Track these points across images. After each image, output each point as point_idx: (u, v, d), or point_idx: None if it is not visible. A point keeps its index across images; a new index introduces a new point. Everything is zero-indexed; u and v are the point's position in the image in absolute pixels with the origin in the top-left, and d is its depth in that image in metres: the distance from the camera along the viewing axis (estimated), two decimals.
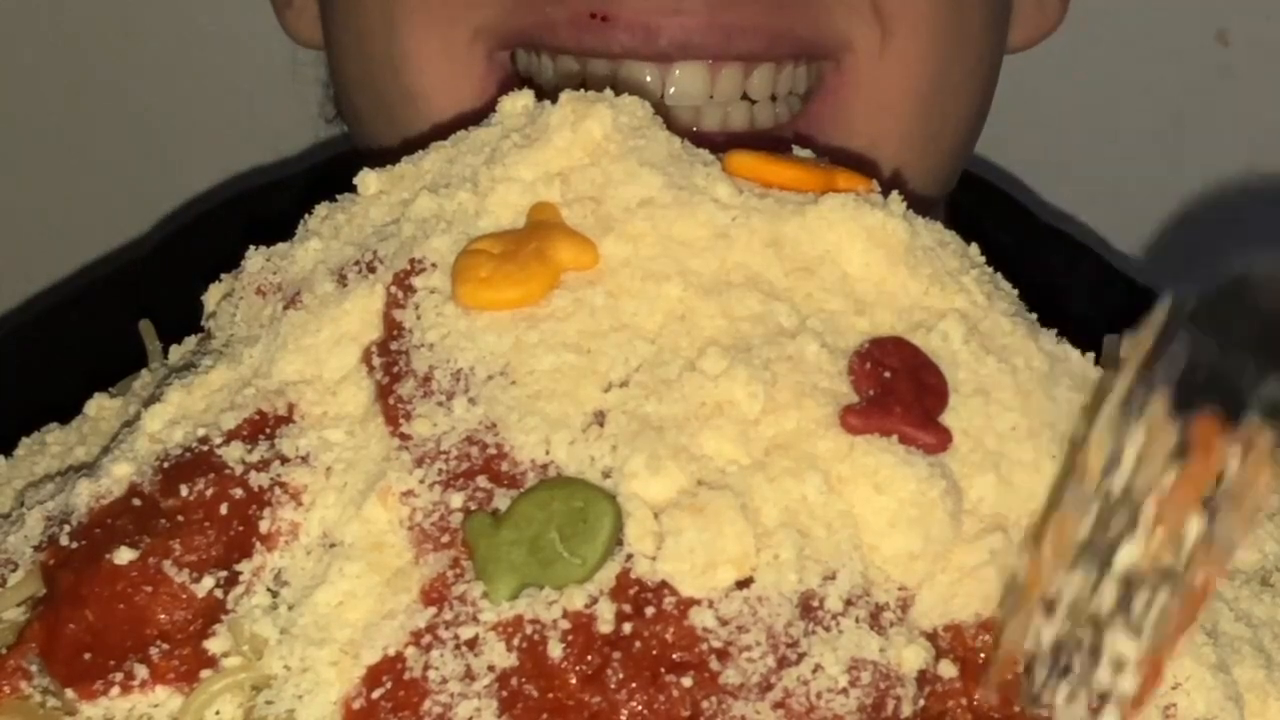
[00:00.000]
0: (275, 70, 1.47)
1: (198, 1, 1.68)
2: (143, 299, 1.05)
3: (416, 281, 0.73)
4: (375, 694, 0.65)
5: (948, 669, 0.67)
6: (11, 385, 1.24)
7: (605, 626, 0.65)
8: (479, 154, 0.78)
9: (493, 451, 0.68)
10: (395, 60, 1.10)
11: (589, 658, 0.64)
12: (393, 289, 0.74)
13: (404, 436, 0.70)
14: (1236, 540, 0.62)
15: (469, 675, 0.65)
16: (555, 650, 0.64)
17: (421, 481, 0.69)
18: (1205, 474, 0.62)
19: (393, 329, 0.73)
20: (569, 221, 0.74)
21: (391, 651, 0.66)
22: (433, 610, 0.66)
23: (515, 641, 0.65)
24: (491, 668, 0.65)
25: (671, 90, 1.06)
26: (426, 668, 0.65)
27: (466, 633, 0.65)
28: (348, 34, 1.16)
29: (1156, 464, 0.62)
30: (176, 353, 0.86)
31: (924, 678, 0.67)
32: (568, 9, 1.04)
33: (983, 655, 0.68)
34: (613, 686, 0.64)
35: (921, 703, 0.66)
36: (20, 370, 1.28)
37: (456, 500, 0.68)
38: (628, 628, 0.65)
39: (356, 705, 0.65)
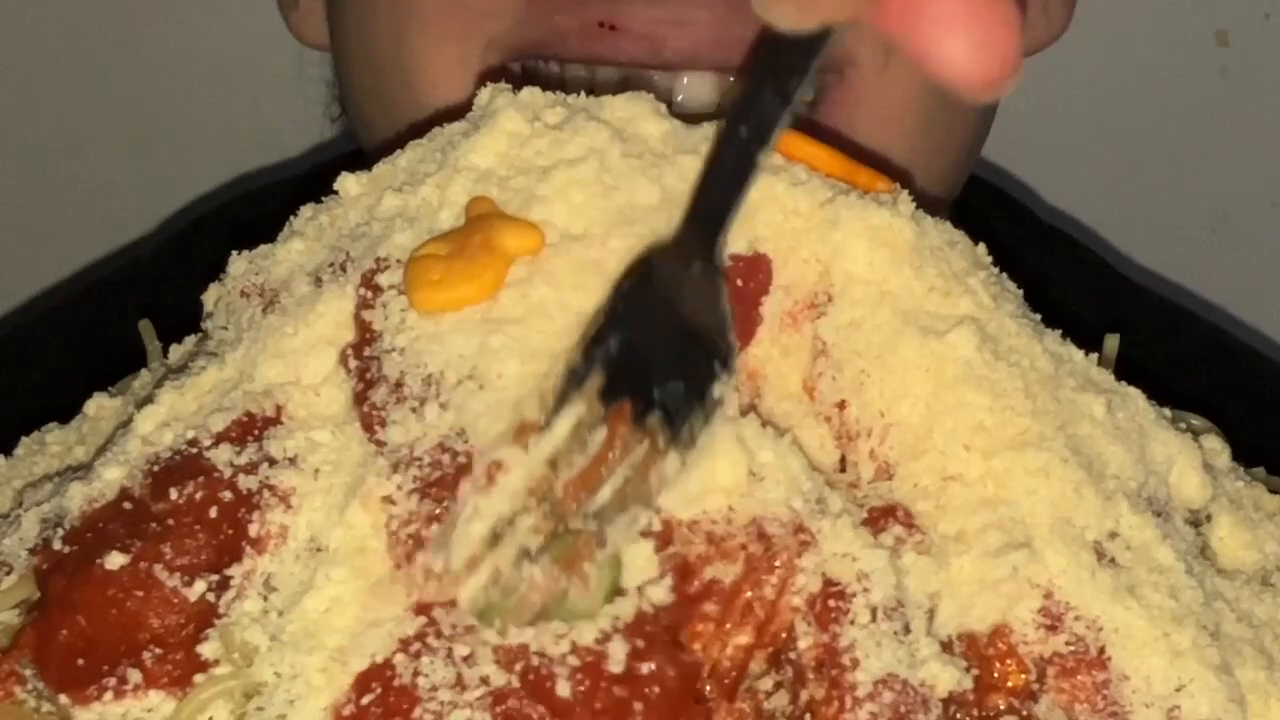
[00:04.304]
0: (280, 70, 1.47)
1: (202, 0, 1.68)
2: (144, 299, 1.05)
3: (382, 280, 0.73)
4: (365, 700, 0.65)
5: (968, 680, 0.68)
6: (12, 385, 1.24)
7: (616, 666, 0.64)
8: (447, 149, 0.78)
9: (463, 460, 0.68)
10: (406, 72, 1.09)
11: (598, 700, 0.64)
12: (361, 290, 0.74)
13: (380, 443, 0.70)
14: (621, 530, 0.67)
15: (460, 684, 0.64)
16: (563, 689, 0.64)
17: (399, 488, 0.69)
18: (604, 459, 0.67)
19: (364, 331, 0.73)
20: (514, 197, 0.74)
21: (380, 659, 0.66)
22: (423, 620, 0.66)
23: (516, 668, 0.64)
24: (485, 680, 0.64)
25: (679, 98, 1.06)
26: (416, 674, 0.65)
27: (461, 649, 0.65)
28: (356, 41, 1.16)
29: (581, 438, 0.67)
30: (176, 353, 0.86)
31: (949, 698, 0.67)
32: (577, 19, 1.04)
33: (996, 664, 0.69)
34: None
35: None
36: (21, 370, 1.28)
37: (429, 510, 0.68)
38: (645, 668, 0.64)
39: (346, 712, 0.65)
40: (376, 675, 0.65)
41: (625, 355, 0.68)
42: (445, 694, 0.64)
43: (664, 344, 0.69)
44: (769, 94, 0.69)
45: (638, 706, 0.64)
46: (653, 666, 0.65)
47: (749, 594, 0.67)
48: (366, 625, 0.67)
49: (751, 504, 0.68)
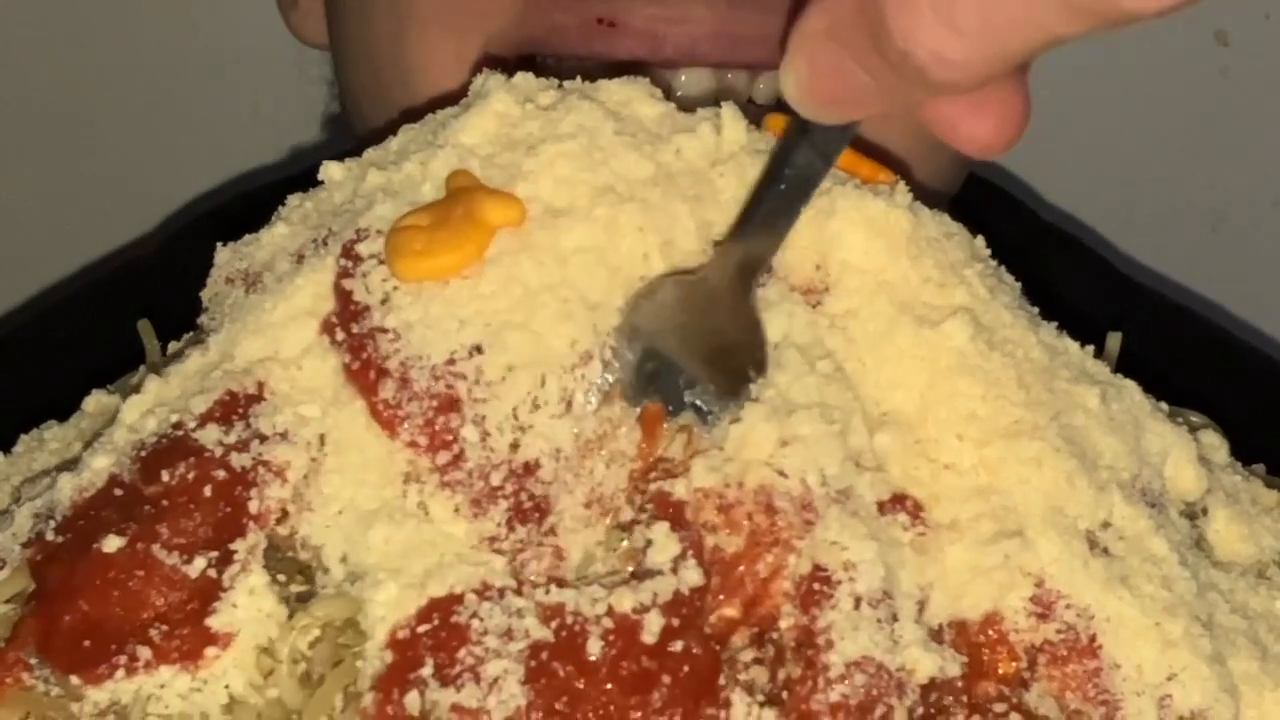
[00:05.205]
0: (281, 68, 1.47)
1: (203, 0, 1.69)
2: (144, 298, 1.05)
3: (362, 249, 0.74)
4: (422, 628, 0.67)
5: (953, 667, 0.68)
6: (12, 384, 1.24)
7: (649, 637, 0.65)
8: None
9: (542, 502, 0.70)
10: (405, 70, 1.09)
11: (625, 663, 0.65)
12: (342, 260, 0.74)
13: (415, 444, 0.70)
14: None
15: (508, 635, 0.66)
16: (594, 648, 0.65)
17: (499, 524, 0.69)
18: (649, 454, 0.70)
19: (345, 302, 0.73)
20: (498, 173, 0.74)
21: (456, 590, 0.67)
22: (514, 581, 0.68)
23: (553, 624, 0.66)
24: (527, 633, 0.66)
25: (678, 94, 1.06)
26: (474, 616, 0.66)
27: (518, 602, 0.67)
28: (355, 40, 1.16)
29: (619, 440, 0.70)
30: (174, 351, 0.86)
31: (932, 684, 0.67)
32: (576, 15, 1.05)
33: (986, 652, 0.69)
34: (656, 704, 0.65)
35: (920, 711, 0.67)
36: (20, 369, 1.28)
37: (534, 532, 0.70)
38: (677, 646, 0.65)
39: (401, 635, 0.67)
40: (442, 606, 0.67)
41: (646, 363, 0.71)
42: (492, 641, 0.66)
43: (688, 354, 0.71)
44: (807, 151, 0.71)
45: (665, 679, 0.65)
46: (684, 645, 0.66)
47: (742, 568, 0.68)
48: (457, 558, 0.68)
49: (764, 472, 0.68)
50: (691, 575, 0.67)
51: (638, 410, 0.71)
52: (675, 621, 0.66)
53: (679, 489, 0.69)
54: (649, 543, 0.68)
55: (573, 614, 0.66)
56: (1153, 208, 1.70)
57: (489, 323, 0.71)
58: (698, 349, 0.71)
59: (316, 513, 0.71)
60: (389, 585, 0.68)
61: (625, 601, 0.66)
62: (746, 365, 0.71)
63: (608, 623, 0.66)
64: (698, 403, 0.70)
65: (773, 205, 0.72)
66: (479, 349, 0.71)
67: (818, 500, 0.68)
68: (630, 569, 0.69)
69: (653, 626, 0.66)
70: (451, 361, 0.71)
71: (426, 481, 0.70)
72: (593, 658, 0.65)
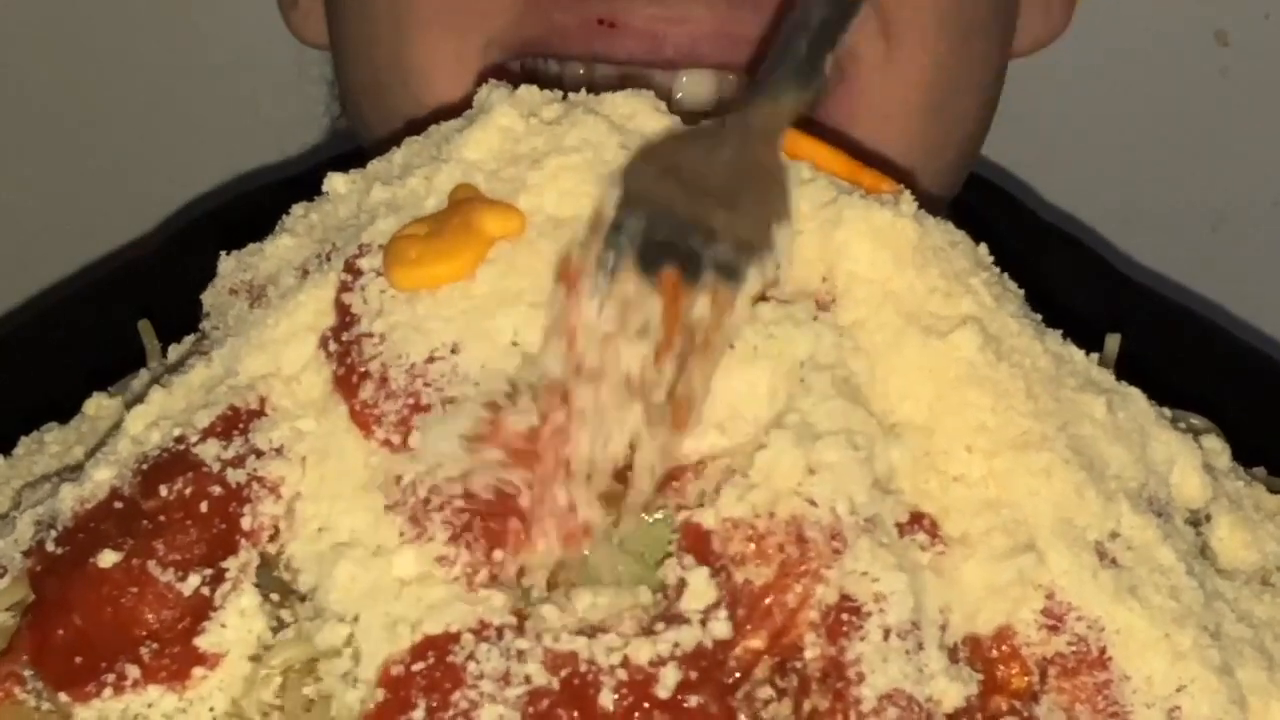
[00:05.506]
0: (281, 68, 1.47)
1: (203, 0, 1.68)
2: (145, 298, 1.05)
3: (363, 264, 0.74)
4: (416, 666, 0.65)
5: (972, 688, 0.67)
6: (12, 385, 1.24)
7: (664, 692, 0.64)
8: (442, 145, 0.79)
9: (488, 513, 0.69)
10: (405, 70, 1.09)
11: (635, 716, 0.64)
12: (343, 275, 0.74)
13: (388, 443, 0.70)
14: (701, 381, 0.69)
15: (505, 679, 0.64)
16: (606, 700, 0.64)
17: (444, 541, 0.68)
18: (675, 320, 0.67)
19: (344, 315, 0.73)
20: (502, 186, 0.74)
21: (452, 629, 0.66)
22: (514, 619, 0.66)
23: (562, 673, 0.64)
24: (527, 679, 0.64)
25: (678, 95, 1.06)
26: (470, 658, 0.65)
27: (521, 644, 0.65)
28: (355, 40, 1.16)
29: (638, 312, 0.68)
30: (175, 353, 0.86)
31: (954, 711, 0.67)
32: (577, 16, 1.05)
33: (999, 667, 0.69)
34: None
35: None
36: (21, 370, 1.28)
37: (483, 553, 0.68)
38: (693, 701, 0.64)
39: (395, 671, 0.65)
40: (438, 645, 0.65)
41: (656, 229, 0.68)
42: (488, 685, 0.64)
43: (703, 211, 0.68)
44: (826, 2, 0.70)
45: None
46: (700, 702, 0.64)
47: (770, 599, 0.67)
48: (455, 598, 0.67)
49: (795, 502, 0.68)
50: (719, 628, 0.66)
51: (654, 280, 0.68)
52: (693, 675, 0.64)
53: (708, 519, 0.68)
54: (682, 582, 0.67)
55: (585, 662, 0.64)
56: (1153, 208, 1.70)
57: (472, 320, 0.71)
58: (712, 205, 0.68)
59: (299, 530, 0.71)
60: (346, 660, 0.67)
61: (643, 653, 0.65)
62: (768, 214, 0.69)
63: (621, 674, 0.64)
64: (719, 259, 0.67)
65: (799, 57, 0.71)
66: (457, 348, 0.70)
67: (847, 529, 0.67)
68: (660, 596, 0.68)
69: (668, 680, 0.64)
70: (431, 360, 0.70)
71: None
72: (604, 709, 0.63)
